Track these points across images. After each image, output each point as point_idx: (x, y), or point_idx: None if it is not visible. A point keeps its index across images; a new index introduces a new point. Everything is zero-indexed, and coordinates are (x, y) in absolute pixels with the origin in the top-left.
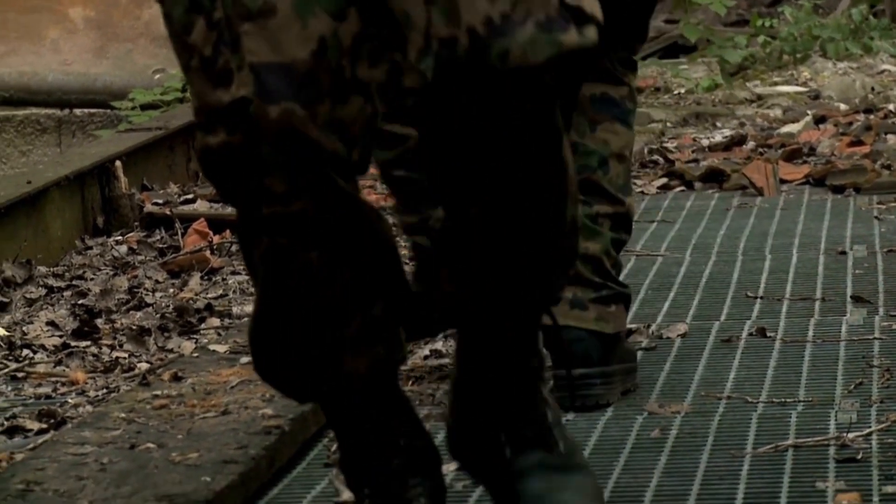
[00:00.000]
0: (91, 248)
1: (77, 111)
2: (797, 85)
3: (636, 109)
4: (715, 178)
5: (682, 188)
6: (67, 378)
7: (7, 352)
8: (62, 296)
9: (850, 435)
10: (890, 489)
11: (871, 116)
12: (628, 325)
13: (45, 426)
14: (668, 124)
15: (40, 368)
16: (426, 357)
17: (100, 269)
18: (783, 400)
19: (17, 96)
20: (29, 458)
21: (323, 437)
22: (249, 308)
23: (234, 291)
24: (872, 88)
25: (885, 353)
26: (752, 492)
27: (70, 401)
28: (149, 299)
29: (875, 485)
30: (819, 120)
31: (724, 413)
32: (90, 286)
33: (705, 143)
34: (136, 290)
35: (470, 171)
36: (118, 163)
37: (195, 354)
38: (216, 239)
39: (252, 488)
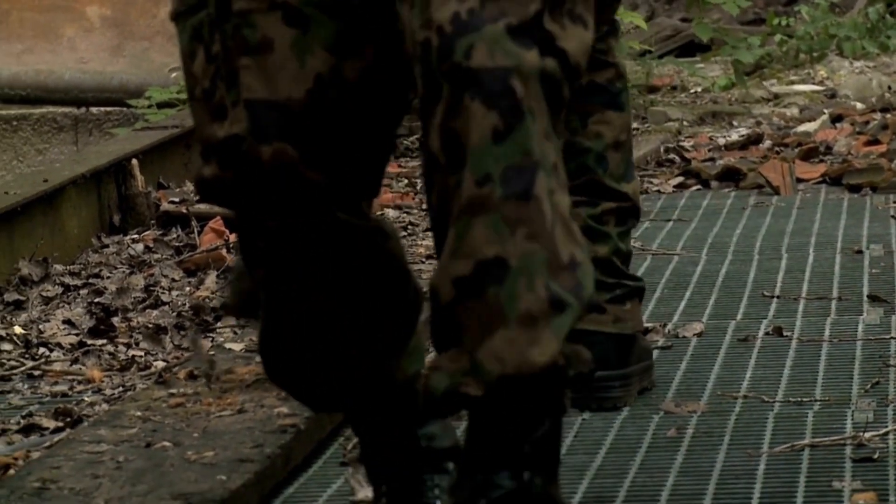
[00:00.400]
0: (107, 246)
1: (93, 109)
2: (814, 84)
3: (627, 87)
4: (731, 176)
5: (699, 187)
6: (84, 376)
7: (23, 350)
8: (78, 294)
9: (867, 434)
10: None
11: (888, 115)
12: (644, 325)
13: (61, 424)
14: (685, 123)
15: (56, 367)
16: None
17: (116, 268)
18: (799, 399)
19: (33, 94)
20: (45, 457)
21: (338, 435)
22: None
23: None
24: (889, 87)
25: None
26: (769, 491)
27: (86, 399)
28: (165, 298)
29: (892, 484)
30: (836, 119)
31: (741, 412)
32: (106, 284)
33: (722, 141)
34: (152, 288)
35: (440, 193)
36: (134, 161)
37: (211, 353)
38: (232, 237)
39: (267, 487)
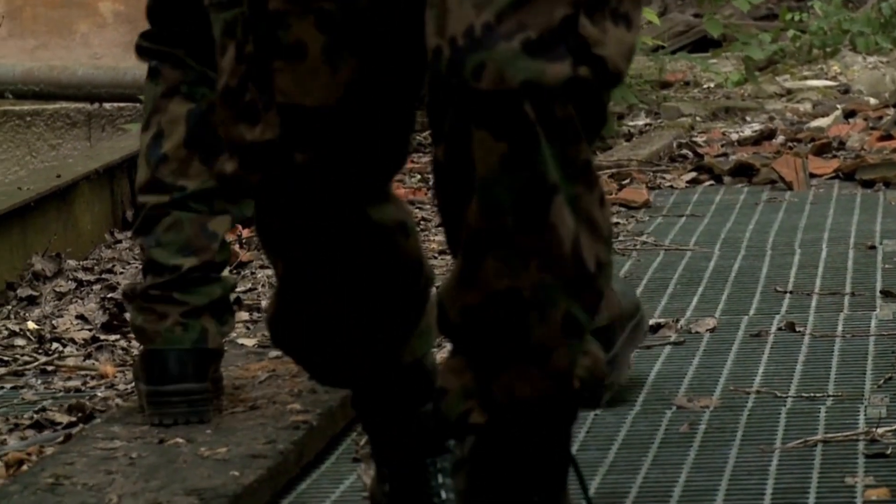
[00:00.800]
0: (120, 241)
1: (107, 105)
2: (827, 79)
3: None
4: (744, 172)
5: (712, 182)
6: (97, 372)
7: (37, 345)
8: (91, 289)
9: (880, 430)
10: None
11: None
12: (656, 320)
13: (74, 420)
14: (698, 118)
15: (70, 362)
16: None
17: (129, 263)
18: (812, 395)
19: (46, 90)
20: (58, 452)
21: (351, 431)
22: None
23: (263, 285)
24: None
25: None
26: (782, 487)
27: (99, 394)
28: None
29: None
30: (849, 114)
31: (753, 408)
32: (119, 280)
33: (734, 137)
34: None
35: (447, 211)
36: None
37: (224, 348)
38: (245, 233)
39: (280, 483)
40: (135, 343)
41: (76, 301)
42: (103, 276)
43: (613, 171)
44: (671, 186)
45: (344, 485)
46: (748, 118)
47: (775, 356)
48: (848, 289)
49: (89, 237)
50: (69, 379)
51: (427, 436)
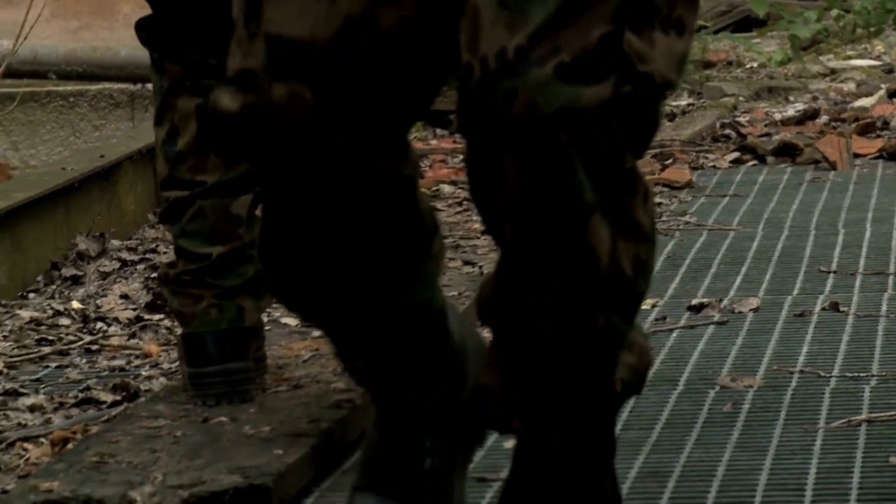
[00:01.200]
0: None
1: (149, 86)
2: (871, 59)
3: None
4: (788, 152)
5: (755, 162)
6: (141, 351)
7: (81, 325)
8: (135, 269)
9: None
10: None
11: None
12: (700, 300)
13: (118, 399)
14: (741, 98)
15: (114, 341)
16: None
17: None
18: (856, 374)
19: (89, 71)
20: (103, 431)
21: None
22: None
23: None
24: None
25: None
26: (825, 467)
27: (143, 373)
28: None
29: None
30: (893, 94)
31: (797, 387)
32: (163, 259)
33: (778, 117)
34: None
35: (493, 230)
36: None
37: (267, 328)
38: None
39: (323, 461)
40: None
41: (120, 281)
42: (147, 255)
43: (656, 151)
44: (714, 166)
45: None
46: (791, 98)
47: (819, 336)
48: (892, 269)
49: (132, 217)
50: (113, 358)
51: (429, 414)
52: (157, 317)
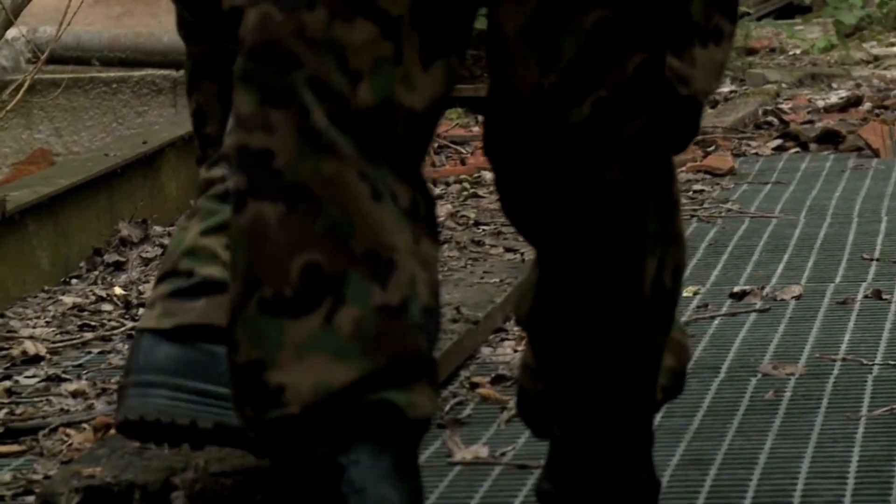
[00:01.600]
0: None
1: None
2: None
3: None
4: (830, 139)
5: (797, 150)
6: None
7: (124, 311)
8: None
9: None
10: None
11: None
12: (742, 287)
13: None
14: (784, 85)
15: None
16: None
17: None
18: None
19: (132, 57)
20: None
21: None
22: None
23: None
24: None
25: None
26: (867, 454)
27: None
28: None
29: None
30: None
31: (839, 375)
32: None
33: (821, 104)
34: None
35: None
36: None
37: None
38: None
39: None
40: None
41: None
42: None
43: (698, 138)
44: (756, 153)
45: (429, 450)
46: (834, 85)
47: (861, 324)
48: None
49: (175, 203)
50: None
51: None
52: None
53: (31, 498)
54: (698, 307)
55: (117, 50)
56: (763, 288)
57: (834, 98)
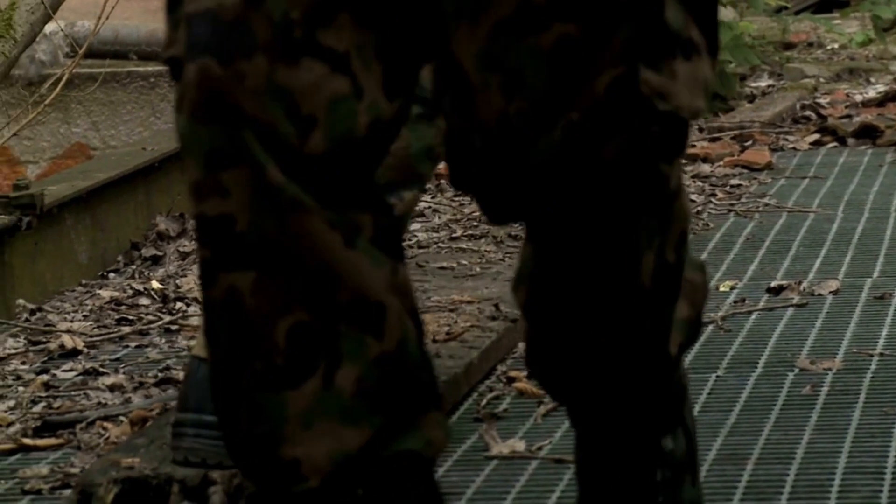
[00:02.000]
0: None
1: None
2: None
3: None
4: (868, 133)
5: (835, 144)
6: None
7: (161, 304)
8: None
9: None
10: None
11: None
12: (779, 282)
13: None
14: (821, 80)
15: (193, 321)
16: None
17: None
18: None
19: None
20: None
21: (473, 392)
22: None
23: None
24: None
25: None
26: None
27: None
28: None
29: None
30: None
31: (877, 370)
32: None
33: (859, 98)
34: None
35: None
36: None
37: None
38: None
39: None
40: None
41: None
42: None
43: (736, 132)
44: (794, 148)
45: (466, 444)
46: (872, 79)
47: None
48: None
49: None
50: (192, 338)
51: None
52: None
53: (69, 491)
54: (735, 302)
55: (155, 44)
56: (800, 283)
57: (872, 92)
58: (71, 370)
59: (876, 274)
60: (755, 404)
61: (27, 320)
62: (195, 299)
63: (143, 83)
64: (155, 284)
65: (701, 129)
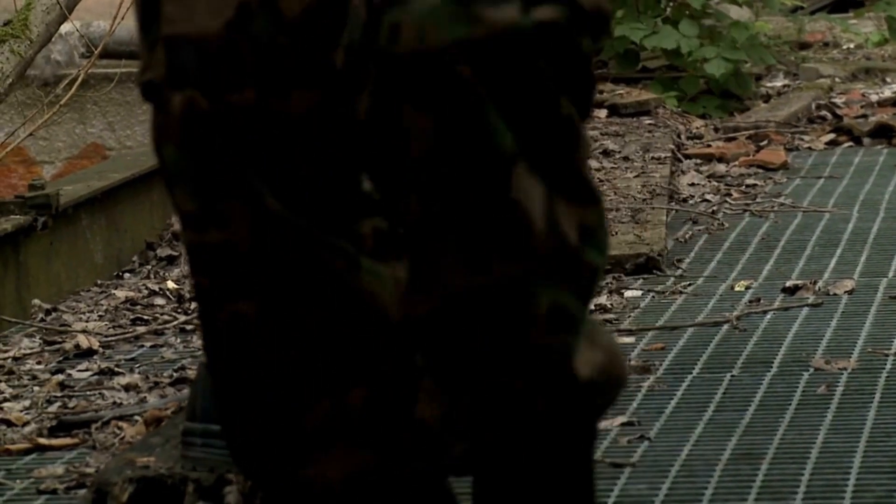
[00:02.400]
0: None
1: None
2: None
3: None
4: (884, 133)
5: (850, 144)
6: None
7: (176, 305)
8: None
9: None
10: None
11: None
12: (794, 281)
13: None
14: (837, 80)
15: None
16: None
17: None
18: None
19: None
20: None
21: None
22: None
23: None
24: None
25: None
26: None
27: None
28: None
29: None
30: None
31: (892, 370)
32: None
33: (874, 98)
34: None
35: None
36: None
37: None
38: None
39: None
40: None
41: None
42: None
43: (751, 132)
44: (809, 148)
45: None
46: (888, 79)
47: None
48: None
49: None
50: None
51: None
52: None
53: (84, 491)
54: (750, 301)
55: None
56: (815, 282)
57: (887, 92)
58: (86, 370)
59: (891, 274)
60: (770, 404)
61: (42, 320)
62: None
63: None
64: (170, 284)
65: (717, 129)
